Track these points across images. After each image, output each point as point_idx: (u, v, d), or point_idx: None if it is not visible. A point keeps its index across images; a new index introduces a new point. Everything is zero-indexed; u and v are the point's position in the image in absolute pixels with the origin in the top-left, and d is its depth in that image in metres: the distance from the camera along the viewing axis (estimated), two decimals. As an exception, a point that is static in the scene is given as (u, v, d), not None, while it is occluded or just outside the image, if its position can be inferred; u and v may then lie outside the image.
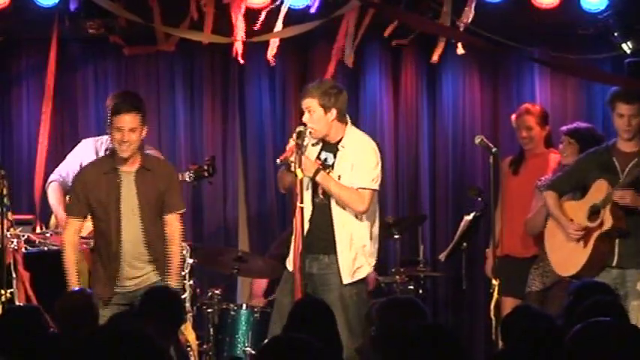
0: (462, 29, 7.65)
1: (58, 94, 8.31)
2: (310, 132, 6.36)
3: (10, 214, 6.90)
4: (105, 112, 7.67)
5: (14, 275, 6.90)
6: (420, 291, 8.14)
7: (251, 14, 7.81)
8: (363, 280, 6.45)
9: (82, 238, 6.64)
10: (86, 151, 7.42)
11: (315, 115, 6.37)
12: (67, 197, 6.82)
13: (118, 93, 7.76)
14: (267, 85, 8.74)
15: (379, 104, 8.71)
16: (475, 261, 8.20)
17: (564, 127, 7.15)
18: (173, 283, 6.31)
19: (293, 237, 6.38)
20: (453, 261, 8.11)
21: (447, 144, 8.72)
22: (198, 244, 7.91)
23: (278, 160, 6.41)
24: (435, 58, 8.04)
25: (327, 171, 6.39)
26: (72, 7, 7.83)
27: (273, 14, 7.80)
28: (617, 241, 6.39)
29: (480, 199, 7.76)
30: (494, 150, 6.66)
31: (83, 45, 8.61)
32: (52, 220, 7.48)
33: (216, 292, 7.51)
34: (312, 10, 7.76)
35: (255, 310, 7.45)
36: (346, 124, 6.47)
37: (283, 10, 7.73)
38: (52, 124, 8.25)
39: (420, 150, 8.73)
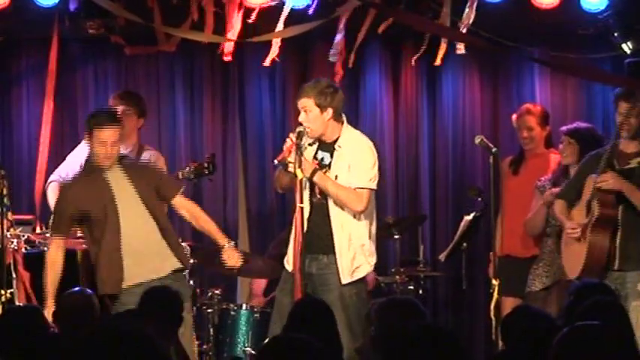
0: (463, 30, 7.64)
1: (58, 94, 8.32)
2: (307, 131, 6.36)
3: (10, 214, 6.90)
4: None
5: (14, 275, 6.90)
6: (420, 291, 8.14)
7: (250, 14, 7.81)
8: (363, 280, 6.44)
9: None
10: (86, 152, 7.42)
11: (311, 115, 6.37)
12: (51, 216, 6.81)
13: (119, 93, 7.77)
14: (267, 85, 8.74)
15: (379, 104, 8.71)
16: (475, 261, 8.20)
17: (564, 127, 7.15)
18: (223, 241, 6.44)
19: (292, 237, 6.38)
20: (453, 261, 8.10)
21: (447, 144, 8.72)
22: (198, 244, 7.91)
23: (275, 161, 6.41)
24: (437, 61, 8.01)
25: (324, 171, 6.39)
26: (72, 7, 7.83)
27: (273, 14, 7.80)
28: (617, 243, 6.38)
29: (480, 199, 7.76)
30: (494, 150, 6.66)
31: (83, 45, 8.61)
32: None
33: (216, 292, 7.51)
34: (310, 12, 7.76)
35: (255, 310, 7.45)
36: (342, 123, 6.47)
37: (285, 11, 7.73)
38: (52, 124, 8.25)
39: (420, 150, 8.73)
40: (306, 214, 6.33)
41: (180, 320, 5.38)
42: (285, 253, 6.56)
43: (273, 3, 7.74)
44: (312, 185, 6.38)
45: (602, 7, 7.75)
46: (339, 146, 6.41)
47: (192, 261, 7.31)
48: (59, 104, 8.38)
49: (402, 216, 8.53)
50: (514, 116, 7.54)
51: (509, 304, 6.76)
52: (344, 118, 6.50)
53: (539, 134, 7.37)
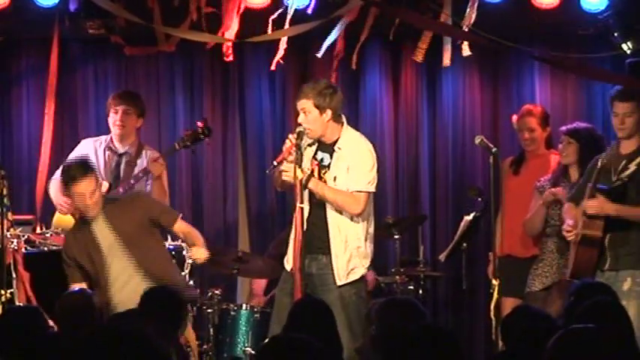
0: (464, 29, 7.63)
1: (58, 94, 8.31)
2: (307, 133, 6.36)
3: (10, 214, 6.90)
4: (105, 112, 7.70)
5: (14, 275, 6.90)
6: (420, 291, 8.14)
7: (250, 14, 7.81)
8: (362, 280, 6.44)
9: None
10: (86, 152, 7.44)
11: (311, 116, 6.37)
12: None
13: (119, 93, 7.77)
14: (267, 86, 8.74)
15: (379, 104, 8.71)
16: (475, 261, 8.20)
17: (564, 127, 7.14)
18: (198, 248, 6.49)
19: (292, 237, 6.38)
20: (453, 261, 8.10)
21: (447, 144, 8.72)
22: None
23: (275, 162, 6.40)
24: (446, 61, 7.95)
25: (324, 171, 6.39)
26: (72, 7, 7.83)
27: (272, 14, 7.79)
28: (607, 244, 6.39)
29: (479, 199, 7.76)
30: (494, 150, 6.66)
31: (83, 45, 8.62)
32: (55, 220, 7.49)
33: (216, 292, 7.51)
34: (309, 11, 7.76)
35: (255, 310, 7.45)
36: (342, 124, 6.47)
37: (290, 12, 7.72)
38: (53, 124, 8.25)
39: (420, 150, 8.73)
40: (306, 215, 6.33)
41: (180, 320, 5.39)
42: (285, 253, 6.56)
43: (277, 12, 7.73)
44: (311, 186, 6.39)
45: (602, 7, 7.75)
46: (339, 148, 6.41)
47: (192, 261, 7.31)
48: (59, 104, 8.38)
49: (402, 216, 8.53)
50: (514, 117, 7.53)
51: (510, 304, 6.76)
52: (344, 119, 6.50)
53: (540, 135, 7.37)
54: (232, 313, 7.44)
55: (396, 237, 8.04)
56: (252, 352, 7.22)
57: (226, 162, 8.75)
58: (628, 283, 6.36)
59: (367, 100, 8.73)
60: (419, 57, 7.99)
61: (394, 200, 8.70)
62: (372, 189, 6.42)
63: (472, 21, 7.57)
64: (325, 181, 6.42)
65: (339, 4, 7.77)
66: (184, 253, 7.30)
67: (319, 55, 7.90)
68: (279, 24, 7.79)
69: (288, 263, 6.44)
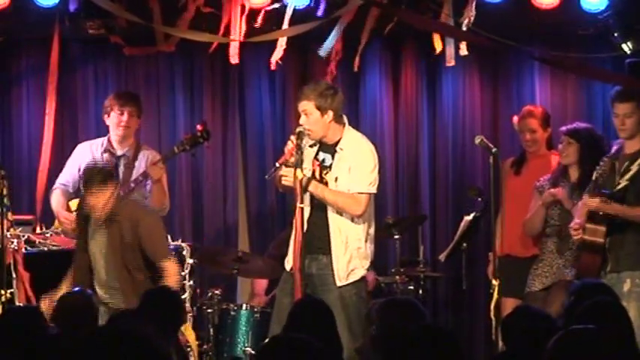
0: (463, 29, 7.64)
1: (58, 94, 8.31)
2: (307, 133, 6.36)
3: (10, 214, 6.90)
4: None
5: (14, 275, 6.90)
6: (420, 291, 8.13)
7: (250, 14, 7.81)
8: (363, 280, 6.44)
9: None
10: (83, 155, 7.45)
11: (312, 118, 6.36)
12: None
13: (121, 93, 7.75)
14: (267, 86, 8.74)
15: (379, 104, 8.71)
16: (475, 261, 8.20)
17: (564, 128, 7.14)
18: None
19: (292, 237, 6.38)
20: (453, 261, 8.10)
21: (447, 144, 8.72)
22: (198, 244, 7.91)
23: (277, 164, 6.39)
24: (450, 61, 7.94)
25: (325, 172, 6.39)
26: (72, 7, 7.83)
27: (273, 15, 7.79)
28: (608, 247, 6.40)
29: (480, 199, 7.76)
30: (494, 150, 6.66)
31: (83, 45, 8.61)
32: (57, 224, 7.51)
33: (216, 292, 7.51)
34: (319, 13, 7.75)
35: (256, 310, 7.45)
36: (344, 125, 6.46)
37: (288, 12, 7.72)
38: (54, 125, 8.25)
39: (420, 150, 8.72)
40: (306, 215, 6.33)
41: (180, 320, 5.39)
42: (285, 254, 6.56)
43: (277, 5, 7.73)
44: (312, 187, 6.38)
45: (602, 7, 7.75)
46: (341, 148, 6.40)
47: (192, 261, 7.31)
48: (59, 104, 8.38)
49: (402, 216, 8.53)
50: (515, 118, 7.52)
51: (510, 304, 6.76)
52: (345, 120, 6.49)
53: (541, 136, 7.36)
54: (232, 313, 7.44)
55: (396, 237, 8.04)
56: (253, 352, 7.22)
57: (226, 162, 8.75)
58: (627, 284, 6.37)
59: (367, 100, 8.73)
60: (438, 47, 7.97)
61: (394, 200, 8.70)
62: (374, 190, 6.42)
63: (471, 20, 7.57)
64: (327, 182, 6.42)
65: (339, 4, 7.77)
66: (184, 253, 7.30)
67: (321, 54, 7.90)
68: (279, 24, 7.80)
69: (289, 263, 6.44)
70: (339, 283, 6.32)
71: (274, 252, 7.75)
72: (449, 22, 7.64)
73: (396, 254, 8.13)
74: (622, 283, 6.34)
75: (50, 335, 4.70)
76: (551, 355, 3.37)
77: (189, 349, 6.83)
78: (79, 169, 7.22)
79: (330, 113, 6.36)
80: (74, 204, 7.22)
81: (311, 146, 6.46)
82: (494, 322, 6.48)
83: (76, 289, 6.11)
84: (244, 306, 7.55)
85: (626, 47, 7.61)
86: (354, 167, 6.36)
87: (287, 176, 6.30)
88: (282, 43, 7.89)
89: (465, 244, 7.92)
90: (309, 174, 6.38)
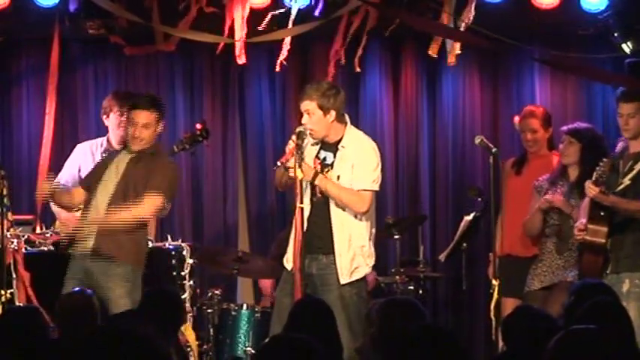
0: (462, 29, 7.64)
1: (59, 94, 8.31)
2: (310, 133, 6.35)
3: (10, 214, 6.90)
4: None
5: (14, 275, 6.90)
6: (420, 291, 8.14)
7: (251, 15, 7.81)
8: (363, 280, 6.44)
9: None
10: (82, 155, 7.43)
11: (315, 117, 6.36)
12: None
13: (117, 93, 7.74)
14: (267, 86, 8.74)
15: (379, 104, 8.71)
16: (475, 261, 8.20)
17: (565, 127, 7.12)
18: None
19: (292, 237, 6.38)
20: (453, 261, 8.10)
21: (447, 144, 8.72)
22: (198, 244, 7.90)
23: (279, 163, 6.39)
24: (451, 60, 7.96)
25: (326, 170, 6.39)
26: (72, 7, 7.84)
27: (275, 15, 7.79)
28: (609, 248, 6.41)
29: (480, 199, 7.76)
30: (494, 150, 6.66)
31: (83, 45, 8.62)
32: (58, 223, 7.50)
33: (216, 292, 7.51)
34: (316, 13, 7.76)
35: (256, 310, 7.45)
36: (345, 124, 6.46)
37: (293, 13, 7.72)
38: (53, 124, 8.25)
39: (420, 150, 8.73)
40: (306, 214, 6.33)
41: (180, 320, 5.38)
42: (285, 253, 6.56)
43: (282, 10, 7.73)
44: (313, 184, 6.37)
45: (602, 7, 7.76)
46: (343, 146, 6.40)
47: (192, 261, 7.31)
48: (59, 104, 8.38)
49: (402, 216, 8.53)
50: (516, 119, 7.51)
51: (510, 304, 6.75)
52: (347, 119, 6.49)
53: (542, 136, 7.35)
54: (232, 313, 7.44)
55: (396, 237, 8.04)
56: (253, 352, 7.21)
57: (226, 162, 8.75)
58: (627, 284, 6.38)
59: (367, 100, 8.73)
60: (434, 51, 7.98)
61: (394, 200, 8.70)
62: (377, 187, 6.42)
63: (470, 20, 7.58)
64: (328, 181, 6.42)
65: (339, 4, 7.78)
66: (184, 253, 7.29)
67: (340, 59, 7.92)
68: (279, 24, 7.80)
69: (288, 263, 6.44)
70: (342, 281, 6.30)
71: (276, 252, 7.75)
72: (450, 22, 7.64)
73: (396, 254, 8.13)
74: (621, 284, 6.34)
75: (50, 335, 4.70)
76: (552, 355, 3.37)
77: (189, 349, 6.83)
78: (79, 169, 7.23)
79: (333, 113, 6.36)
80: (79, 193, 7.16)
81: (312, 145, 6.46)
82: (494, 322, 6.48)
83: (76, 289, 6.11)
84: (244, 306, 7.55)
85: (626, 47, 7.62)
86: (357, 165, 6.36)
87: (292, 167, 6.26)
88: (287, 42, 7.89)
89: (465, 244, 7.92)
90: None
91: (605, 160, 6.50)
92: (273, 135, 8.66)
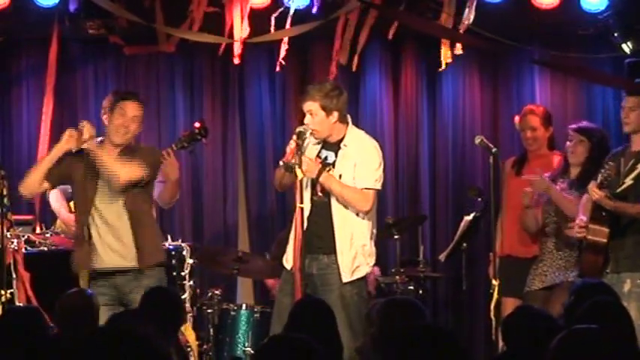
0: (462, 30, 7.64)
1: (58, 94, 8.32)
2: (312, 133, 6.35)
3: (10, 214, 6.91)
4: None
5: (14, 275, 6.90)
6: (420, 291, 8.14)
7: (251, 14, 7.81)
8: (363, 280, 6.44)
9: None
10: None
11: (317, 118, 6.35)
12: None
13: (117, 93, 7.73)
14: (267, 86, 8.74)
15: (379, 104, 8.72)
16: (475, 261, 8.20)
17: (574, 125, 7.04)
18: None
19: (292, 236, 6.37)
20: (453, 261, 8.10)
21: (447, 144, 8.72)
22: (198, 244, 7.91)
23: (281, 162, 6.38)
24: (443, 66, 7.98)
25: (328, 169, 6.39)
26: (72, 7, 7.84)
27: (271, 14, 7.80)
28: (609, 248, 6.42)
29: (480, 199, 7.76)
30: (494, 150, 6.66)
31: (83, 45, 8.62)
32: (58, 223, 7.50)
33: (216, 292, 7.51)
34: (314, 11, 7.76)
35: (256, 310, 7.46)
36: (347, 124, 6.46)
37: (290, 13, 7.72)
38: (52, 124, 8.25)
39: (420, 150, 8.73)
40: (307, 214, 6.32)
41: (180, 320, 5.38)
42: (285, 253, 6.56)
43: (281, 9, 7.73)
44: (314, 184, 6.37)
45: (602, 7, 7.76)
46: (345, 145, 6.40)
47: (192, 261, 7.31)
48: (59, 104, 8.39)
49: (402, 216, 8.53)
50: (516, 118, 7.51)
51: (510, 304, 6.75)
52: (349, 119, 6.49)
53: (542, 135, 7.34)
54: (232, 313, 7.44)
55: (396, 237, 8.04)
56: (253, 352, 7.22)
57: (226, 162, 8.76)
58: (628, 284, 6.38)
59: (367, 101, 8.73)
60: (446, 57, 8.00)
61: (394, 200, 8.71)
62: (379, 186, 6.42)
63: (470, 21, 7.58)
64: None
65: (338, 4, 7.78)
66: (184, 253, 7.30)
67: (343, 62, 7.89)
68: (280, 24, 7.80)
69: (288, 262, 6.44)
70: (344, 280, 6.29)
71: (277, 252, 7.75)
72: (450, 22, 7.64)
73: (396, 254, 8.13)
74: (622, 284, 6.34)
75: (50, 335, 4.70)
76: (553, 354, 3.37)
77: (189, 349, 6.84)
78: None
79: (336, 114, 6.35)
80: None
81: (313, 144, 6.45)
82: (494, 322, 6.48)
83: (76, 289, 6.10)
84: (244, 306, 7.55)
85: (626, 47, 7.62)
86: (360, 164, 6.36)
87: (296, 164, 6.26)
88: (285, 42, 7.89)
89: (465, 244, 7.92)
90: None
91: (610, 164, 6.49)
92: (273, 135, 8.67)
